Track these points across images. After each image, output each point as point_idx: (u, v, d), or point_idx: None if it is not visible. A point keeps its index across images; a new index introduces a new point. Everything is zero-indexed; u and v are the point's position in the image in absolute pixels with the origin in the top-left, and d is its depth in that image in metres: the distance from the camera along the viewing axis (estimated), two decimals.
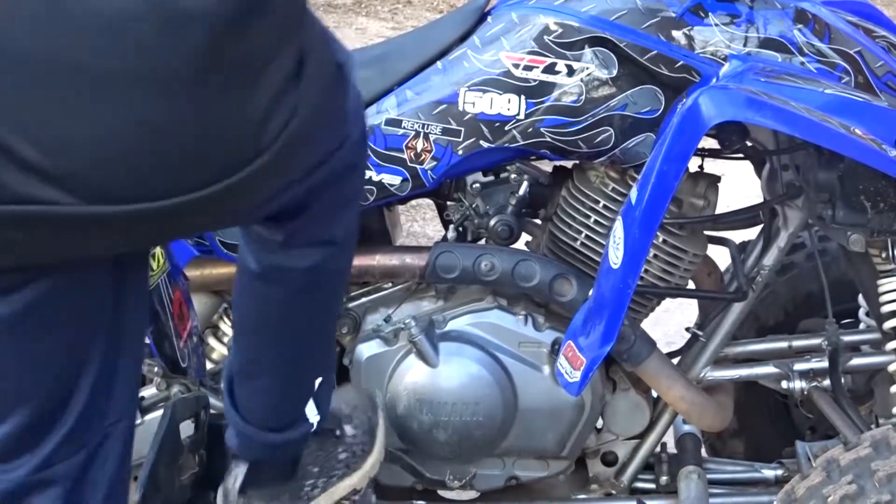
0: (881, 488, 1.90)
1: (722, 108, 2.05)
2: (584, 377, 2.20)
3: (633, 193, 2.13)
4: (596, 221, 2.38)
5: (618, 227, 2.15)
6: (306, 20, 1.74)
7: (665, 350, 2.47)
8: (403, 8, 7.50)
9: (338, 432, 2.26)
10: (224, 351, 2.48)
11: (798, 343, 2.56)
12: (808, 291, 2.72)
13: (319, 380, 2.13)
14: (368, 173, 2.32)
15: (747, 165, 2.55)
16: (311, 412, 2.15)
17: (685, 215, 2.41)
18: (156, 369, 2.34)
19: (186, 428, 2.33)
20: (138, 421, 2.33)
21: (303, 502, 2.21)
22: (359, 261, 2.36)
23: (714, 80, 2.22)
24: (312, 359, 2.13)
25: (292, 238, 1.93)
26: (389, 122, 2.33)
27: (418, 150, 2.32)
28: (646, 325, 2.48)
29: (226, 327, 2.49)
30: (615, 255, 2.14)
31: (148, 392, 2.39)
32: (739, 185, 3.04)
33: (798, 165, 2.37)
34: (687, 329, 2.55)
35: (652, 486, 2.57)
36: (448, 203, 2.49)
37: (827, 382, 2.44)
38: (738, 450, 2.91)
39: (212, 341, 2.50)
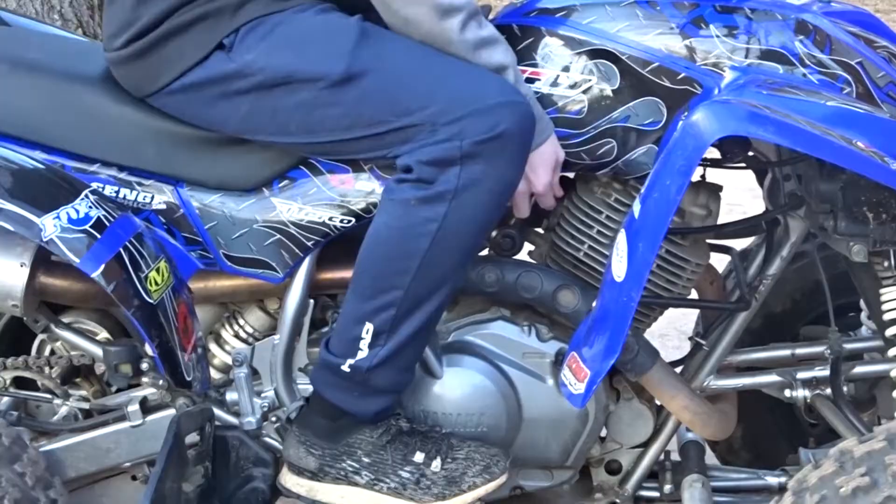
0: (894, 482, 1.90)
1: (724, 123, 2.05)
2: (588, 389, 2.21)
3: (637, 207, 2.13)
4: (599, 232, 2.39)
5: (621, 240, 2.15)
6: None
7: (668, 359, 2.48)
8: None
9: (422, 458, 2.31)
10: (226, 358, 2.48)
11: (801, 351, 2.57)
12: (816, 280, 2.69)
13: (391, 313, 2.23)
14: (371, 185, 2.33)
15: (750, 175, 2.56)
16: (365, 345, 2.25)
17: (687, 225, 2.42)
18: (161, 382, 2.34)
19: (191, 440, 2.35)
20: (139, 421, 2.36)
21: (337, 474, 2.31)
22: None
23: (716, 91, 2.23)
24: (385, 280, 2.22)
25: None
26: None
27: None
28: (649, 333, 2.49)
29: (227, 335, 2.49)
30: (619, 268, 2.14)
31: (150, 392, 2.40)
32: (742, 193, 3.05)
33: (800, 176, 2.37)
34: (690, 338, 2.56)
35: (656, 494, 2.57)
36: None
37: (829, 390, 2.44)
38: (745, 457, 2.92)
39: (213, 348, 2.51)
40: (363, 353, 2.26)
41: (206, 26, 2.27)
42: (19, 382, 2.49)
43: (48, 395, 2.48)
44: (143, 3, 2.29)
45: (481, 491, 2.31)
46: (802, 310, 2.74)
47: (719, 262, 2.62)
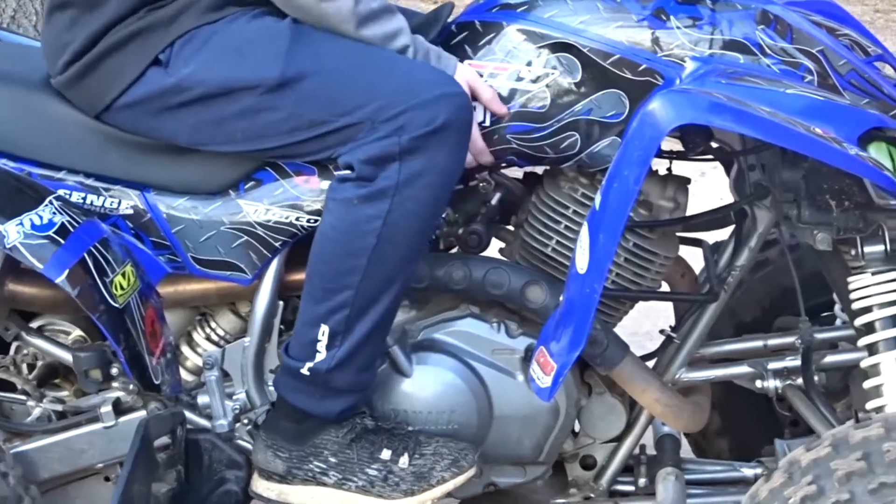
0: (840, 488, 1.89)
1: (680, 111, 2.05)
2: (555, 382, 2.20)
3: (598, 199, 2.13)
4: (566, 227, 2.39)
5: (584, 233, 2.15)
6: None
7: (639, 353, 2.48)
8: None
9: (388, 455, 2.31)
10: (198, 361, 2.48)
11: (773, 342, 2.57)
12: (784, 287, 2.71)
13: (344, 313, 2.24)
14: None
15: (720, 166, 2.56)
16: (322, 347, 2.26)
17: (655, 218, 2.42)
18: (130, 387, 2.34)
19: (163, 443, 2.35)
20: (111, 422, 2.36)
21: (305, 475, 2.31)
22: None
23: (677, 82, 2.23)
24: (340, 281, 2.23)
25: None
26: None
27: None
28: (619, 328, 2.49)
29: (199, 337, 2.49)
30: (582, 260, 2.14)
31: (123, 394, 2.40)
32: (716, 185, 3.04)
33: (764, 165, 2.37)
34: (661, 331, 2.55)
35: (631, 488, 2.57)
36: None
37: (801, 380, 2.44)
38: (723, 448, 2.92)
39: (186, 351, 2.51)
40: (321, 355, 2.27)
41: (141, 42, 2.27)
42: None
43: (22, 397, 2.49)
44: (75, 25, 2.29)
45: (450, 485, 2.31)
46: (773, 317, 2.74)
47: (693, 255, 2.61)
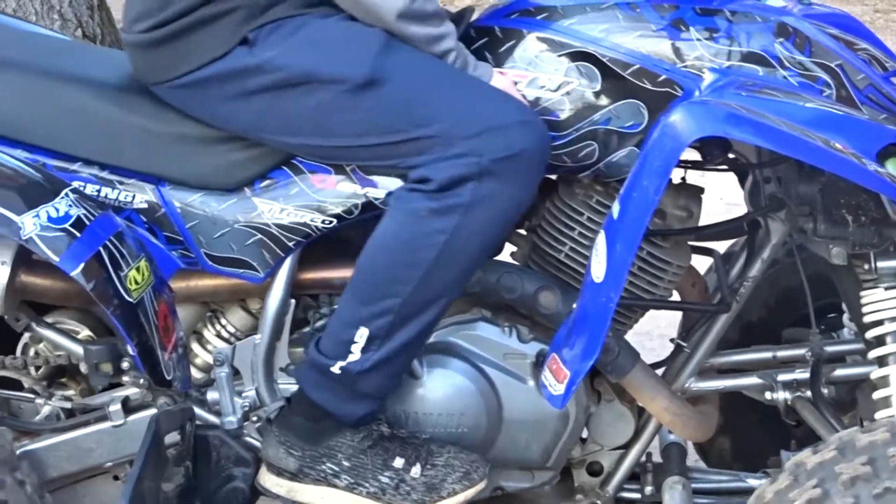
0: (845, 492, 1.89)
1: (701, 123, 2.06)
2: (568, 390, 2.21)
3: (616, 208, 2.14)
4: (580, 234, 2.39)
5: (600, 242, 2.16)
6: None
7: (649, 361, 2.48)
8: None
9: (401, 463, 2.32)
10: (208, 357, 2.49)
11: (782, 353, 2.57)
12: (790, 286, 2.72)
13: (387, 319, 2.24)
14: (353, 187, 2.33)
15: (732, 176, 2.56)
16: (357, 349, 2.25)
17: (668, 227, 2.42)
18: (141, 381, 2.34)
19: (172, 439, 2.35)
20: (120, 421, 2.36)
21: (317, 475, 2.31)
22: (341, 272, 2.38)
23: (696, 93, 2.23)
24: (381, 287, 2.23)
25: None
26: None
27: None
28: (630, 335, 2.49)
29: (209, 334, 2.49)
30: (598, 269, 2.15)
31: (132, 392, 2.40)
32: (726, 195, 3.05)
33: (780, 178, 2.38)
34: (671, 340, 2.56)
35: (637, 495, 2.58)
36: None
37: (810, 392, 2.45)
38: (729, 457, 2.93)
39: (195, 347, 2.51)
40: (354, 356, 2.26)
41: (233, 21, 2.26)
42: (1, 382, 2.49)
43: (31, 395, 2.48)
44: None
45: (461, 498, 2.32)
46: (779, 317, 2.74)
47: (703, 264, 2.62)
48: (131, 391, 2.39)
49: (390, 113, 2.23)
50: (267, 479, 2.36)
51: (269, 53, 2.25)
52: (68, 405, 2.47)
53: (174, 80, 2.30)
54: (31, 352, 2.50)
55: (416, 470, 2.30)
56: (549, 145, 2.25)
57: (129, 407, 2.41)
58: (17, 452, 2.27)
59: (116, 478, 2.48)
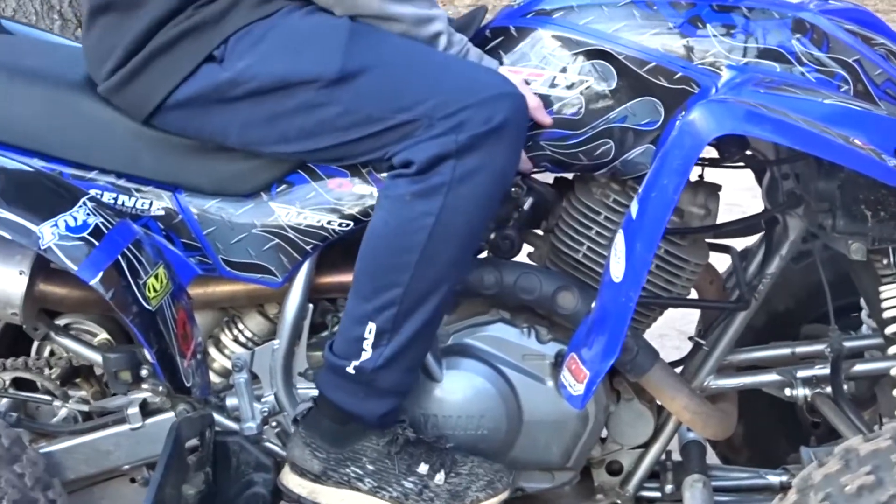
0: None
1: (721, 122, 2.05)
2: (588, 390, 2.20)
3: (634, 207, 2.13)
4: (598, 233, 2.38)
5: (619, 241, 2.15)
6: None
7: (668, 359, 2.48)
8: None
9: (426, 469, 2.31)
10: (226, 363, 2.48)
11: (801, 349, 2.57)
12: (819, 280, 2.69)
13: (392, 311, 2.23)
14: (369, 189, 2.33)
15: (749, 174, 2.55)
16: (368, 345, 2.25)
17: (686, 225, 2.42)
18: (160, 388, 2.34)
19: (191, 445, 2.35)
20: (138, 424, 2.36)
21: (340, 478, 2.31)
22: None
23: (713, 90, 2.23)
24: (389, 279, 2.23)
25: None
26: None
27: None
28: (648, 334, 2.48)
29: (227, 340, 2.49)
30: (617, 268, 2.14)
31: (150, 395, 2.40)
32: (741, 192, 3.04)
33: (798, 174, 2.37)
34: (690, 338, 2.55)
35: (657, 494, 2.57)
36: None
37: (830, 389, 2.44)
38: (747, 456, 2.92)
39: (213, 353, 2.51)
40: (367, 353, 2.26)
41: (192, 40, 2.26)
42: (19, 383, 2.50)
43: (48, 397, 2.49)
44: (119, 28, 2.28)
45: None
46: (806, 308, 2.73)
47: (721, 261, 2.61)
48: (148, 395, 2.39)
49: (369, 103, 2.23)
50: (290, 479, 2.36)
51: (239, 64, 2.25)
52: (86, 408, 2.47)
53: (156, 110, 2.30)
54: (47, 352, 2.50)
55: (440, 477, 2.30)
56: (528, 114, 2.24)
57: (147, 410, 2.41)
58: (30, 452, 2.27)
59: (133, 480, 2.48)
